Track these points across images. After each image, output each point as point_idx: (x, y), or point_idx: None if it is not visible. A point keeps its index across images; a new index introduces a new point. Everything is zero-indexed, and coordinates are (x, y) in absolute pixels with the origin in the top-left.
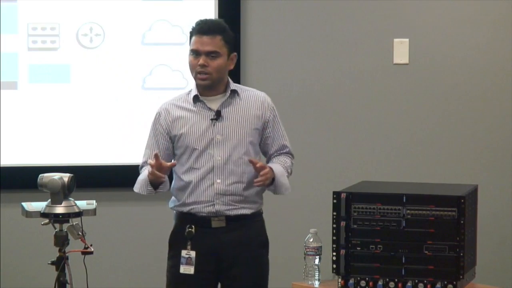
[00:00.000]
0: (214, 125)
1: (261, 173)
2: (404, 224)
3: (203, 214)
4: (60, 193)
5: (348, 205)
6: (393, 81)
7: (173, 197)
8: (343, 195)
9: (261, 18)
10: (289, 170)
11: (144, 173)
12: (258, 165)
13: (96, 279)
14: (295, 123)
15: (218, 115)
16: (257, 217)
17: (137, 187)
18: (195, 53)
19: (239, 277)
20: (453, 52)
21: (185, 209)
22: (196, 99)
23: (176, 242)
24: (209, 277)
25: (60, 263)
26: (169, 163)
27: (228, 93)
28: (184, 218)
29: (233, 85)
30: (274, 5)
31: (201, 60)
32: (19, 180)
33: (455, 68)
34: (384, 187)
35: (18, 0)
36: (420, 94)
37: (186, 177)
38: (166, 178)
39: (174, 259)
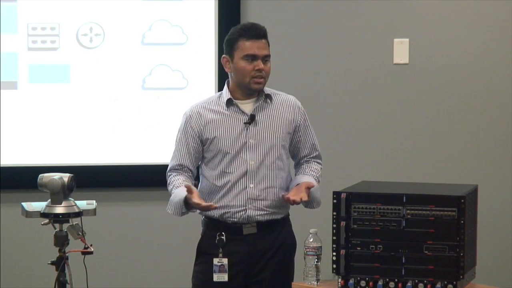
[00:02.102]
0: (247, 129)
1: (293, 199)
2: (404, 224)
3: (234, 220)
4: (60, 193)
5: (348, 205)
6: (393, 81)
7: None
8: (343, 195)
9: (261, 18)
10: (319, 180)
11: (178, 195)
12: (291, 199)
13: (96, 279)
14: None
15: (252, 119)
16: (287, 221)
17: (171, 209)
18: (252, 57)
19: (266, 281)
20: (453, 52)
21: (216, 214)
22: (229, 102)
23: (206, 249)
24: (240, 283)
25: (60, 263)
26: (205, 204)
27: (262, 97)
28: (213, 226)
29: (267, 90)
30: (274, 5)
31: (261, 65)
32: (19, 180)
33: (455, 68)
34: (384, 187)
35: (18, 0)
36: (420, 94)
37: (218, 182)
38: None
39: (202, 266)
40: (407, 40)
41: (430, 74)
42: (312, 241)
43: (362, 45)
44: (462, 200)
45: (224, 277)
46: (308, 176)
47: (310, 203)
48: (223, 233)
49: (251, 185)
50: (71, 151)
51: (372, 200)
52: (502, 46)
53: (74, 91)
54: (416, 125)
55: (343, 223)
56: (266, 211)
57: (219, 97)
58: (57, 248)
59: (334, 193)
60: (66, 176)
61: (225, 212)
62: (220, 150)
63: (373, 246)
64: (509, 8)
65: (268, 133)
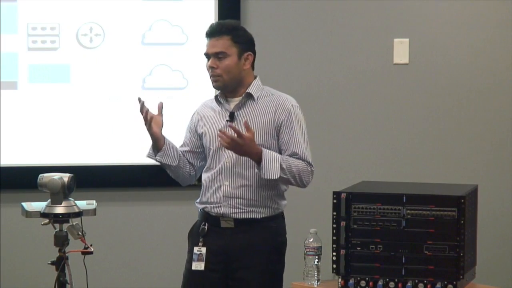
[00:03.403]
0: (228, 126)
1: (232, 136)
2: (404, 224)
3: (213, 214)
4: (60, 193)
5: (348, 205)
6: (393, 81)
7: None
8: (343, 195)
9: (261, 18)
10: (294, 169)
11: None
12: (244, 133)
13: (96, 279)
14: None
15: (231, 117)
16: (271, 222)
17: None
18: (206, 56)
19: (247, 282)
20: (453, 52)
21: (200, 206)
22: (216, 100)
23: (191, 238)
24: (219, 276)
25: (60, 263)
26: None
27: (243, 95)
28: (201, 216)
29: (255, 88)
30: (274, 5)
31: (210, 62)
32: (19, 180)
33: (455, 68)
34: (384, 187)
35: (18, 0)
36: (420, 94)
37: (204, 176)
38: (173, 152)
39: (189, 255)
40: (407, 40)
41: (430, 74)
42: (312, 241)
43: (362, 45)
44: (462, 200)
45: (201, 266)
46: (273, 152)
47: (262, 168)
48: (206, 223)
49: (226, 183)
50: (71, 151)
51: (372, 200)
52: (502, 46)
53: (74, 91)
54: (416, 125)
55: (343, 223)
56: (242, 209)
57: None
58: (57, 248)
59: (334, 193)
60: (66, 176)
61: (206, 206)
62: (206, 146)
63: (373, 246)
64: (509, 8)
65: (244, 132)
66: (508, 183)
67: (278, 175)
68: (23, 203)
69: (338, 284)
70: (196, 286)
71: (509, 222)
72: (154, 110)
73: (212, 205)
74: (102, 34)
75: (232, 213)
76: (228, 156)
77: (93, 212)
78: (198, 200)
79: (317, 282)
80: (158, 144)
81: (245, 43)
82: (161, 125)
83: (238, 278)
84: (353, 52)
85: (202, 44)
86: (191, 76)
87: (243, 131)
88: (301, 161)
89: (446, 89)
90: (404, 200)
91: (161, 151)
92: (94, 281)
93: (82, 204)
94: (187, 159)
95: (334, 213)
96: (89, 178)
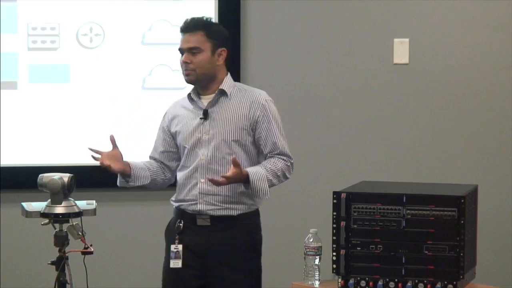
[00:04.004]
0: (202, 124)
1: (226, 174)
2: (404, 224)
3: (189, 212)
4: (60, 193)
5: (348, 205)
6: (393, 81)
7: None
8: (343, 195)
9: (261, 18)
10: (278, 173)
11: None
12: (229, 172)
13: (96, 279)
14: (295, 123)
15: (205, 115)
16: (246, 219)
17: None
18: (180, 51)
19: (226, 279)
20: (453, 52)
21: (175, 204)
22: (189, 98)
23: (168, 236)
24: (197, 274)
25: (60, 263)
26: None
27: (216, 92)
28: (176, 213)
29: (227, 84)
30: (274, 5)
31: (184, 57)
32: (19, 180)
33: (455, 68)
34: (384, 187)
35: (18, 0)
36: (420, 94)
37: (178, 174)
38: (142, 172)
39: (166, 252)
40: (407, 40)
41: (430, 74)
42: (312, 241)
43: (362, 45)
44: (462, 200)
45: (178, 263)
46: (258, 167)
47: (253, 190)
48: (182, 221)
49: (202, 180)
50: (71, 151)
51: (372, 200)
52: (502, 46)
53: (74, 91)
54: (416, 125)
55: (343, 223)
56: (218, 206)
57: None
58: (57, 248)
59: (334, 193)
60: (66, 176)
61: (182, 204)
62: (180, 144)
63: (373, 246)
64: (509, 8)
65: (220, 129)
66: (508, 183)
67: (269, 195)
68: (23, 203)
69: (338, 284)
70: (176, 283)
71: (509, 222)
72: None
73: (188, 203)
74: (102, 34)
75: (209, 209)
76: (204, 153)
77: (93, 212)
78: (173, 198)
79: (317, 282)
80: (125, 173)
81: (219, 39)
82: (121, 157)
83: (216, 275)
84: (353, 52)
85: None
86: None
87: (215, 128)
88: (281, 159)
89: (446, 89)
90: (404, 200)
91: (131, 177)
92: (94, 281)
93: (82, 204)
94: (161, 162)
95: (334, 213)
96: (89, 178)
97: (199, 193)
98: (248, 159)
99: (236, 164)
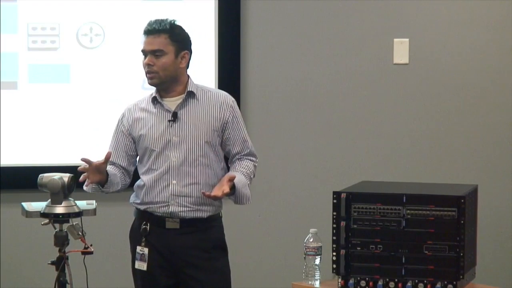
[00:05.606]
0: (171, 126)
1: (224, 191)
2: (404, 224)
3: (158, 214)
4: (60, 193)
5: (348, 205)
6: (393, 81)
7: (134, 193)
8: (343, 195)
9: (261, 18)
10: (252, 176)
11: None
12: (212, 194)
13: (96, 279)
14: (295, 123)
15: (174, 117)
16: (214, 221)
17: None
18: (143, 53)
19: (196, 278)
20: (453, 52)
21: (142, 207)
22: (154, 100)
23: (134, 238)
24: (169, 274)
25: (60, 263)
26: (99, 161)
27: (185, 94)
28: (141, 215)
29: (192, 86)
30: (274, 5)
31: (147, 60)
32: (19, 180)
33: (455, 68)
34: (384, 187)
35: (18, 0)
36: (420, 94)
37: (145, 177)
38: (115, 178)
39: (132, 254)
40: (407, 40)
41: (430, 74)
42: (312, 241)
43: (362, 45)
44: (462, 200)
45: (144, 266)
46: (236, 172)
47: (237, 197)
48: (148, 223)
49: (174, 182)
50: (71, 151)
51: (372, 200)
52: (502, 46)
53: (74, 91)
54: (416, 125)
55: (343, 223)
56: (190, 207)
57: (150, 95)
58: (57, 248)
59: (334, 193)
60: (66, 176)
61: (150, 206)
62: (147, 148)
63: (373, 246)
64: (509, 8)
65: (190, 130)
66: (508, 183)
67: (251, 200)
68: (23, 203)
69: (338, 284)
70: (148, 283)
71: (509, 222)
72: None
73: (158, 205)
74: (102, 34)
75: (180, 211)
76: (175, 155)
77: (93, 212)
78: (137, 201)
79: (317, 282)
80: (101, 181)
81: (182, 42)
82: (104, 170)
83: (189, 275)
84: (353, 52)
85: (202, 44)
86: (190, 76)
87: (185, 130)
88: (251, 161)
89: (446, 89)
90: (404, 200)
91: (107, 183)
92: (94, 281)
93: (82, 204)
94: (121, 167)
95: (334, 213)
96: None
97: (171, 195)
98: (217, 160)
99: (231, 179)
